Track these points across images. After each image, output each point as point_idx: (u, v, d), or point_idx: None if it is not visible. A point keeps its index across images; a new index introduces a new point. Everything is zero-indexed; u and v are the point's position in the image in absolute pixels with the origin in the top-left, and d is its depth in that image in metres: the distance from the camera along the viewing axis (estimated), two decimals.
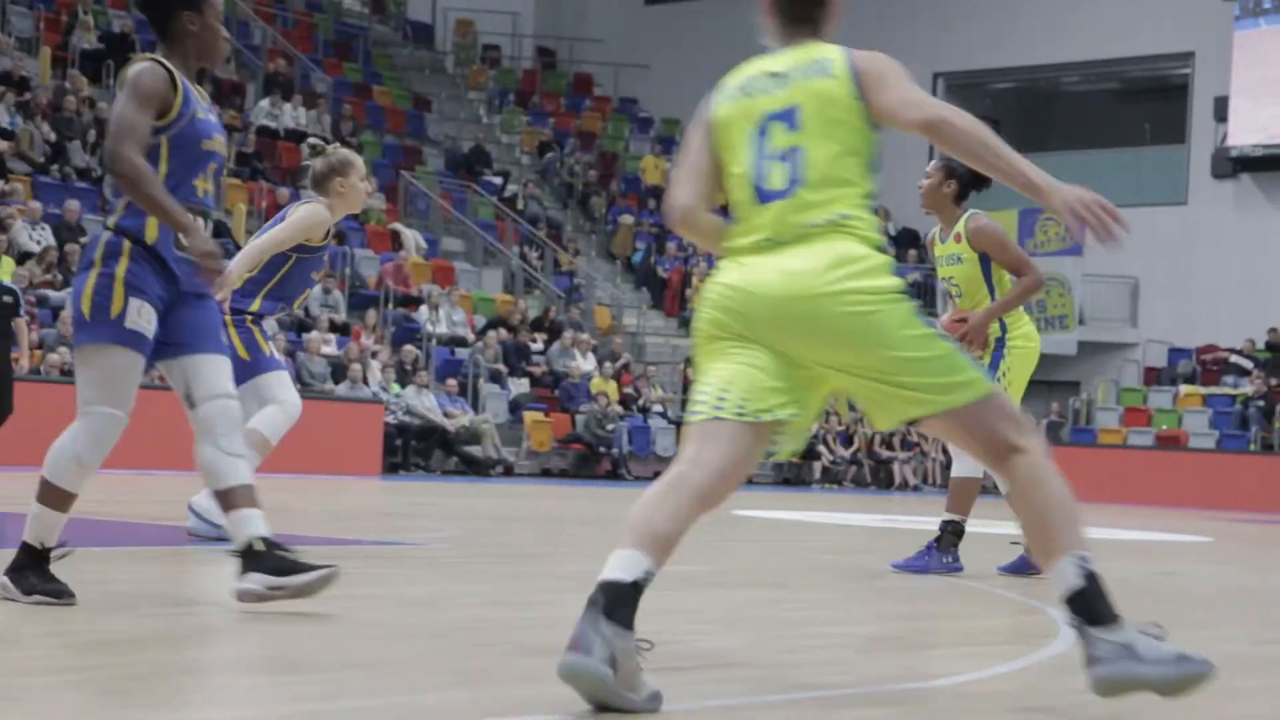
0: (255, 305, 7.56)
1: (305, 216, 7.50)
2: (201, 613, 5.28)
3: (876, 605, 6.58)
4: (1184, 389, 28.11)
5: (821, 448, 26.32)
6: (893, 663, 4.85)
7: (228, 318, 7.38)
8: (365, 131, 29.05)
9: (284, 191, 24.29)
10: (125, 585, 5.92)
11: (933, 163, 8.07)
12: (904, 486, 27.08)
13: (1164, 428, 27.14)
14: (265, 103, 27.43)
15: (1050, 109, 34.33)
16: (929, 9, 32.67)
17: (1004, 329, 7.95)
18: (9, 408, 14.24)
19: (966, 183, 7.91)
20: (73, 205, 21.00)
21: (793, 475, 26.19)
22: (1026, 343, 7.98)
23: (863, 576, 7.90)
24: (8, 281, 14.71)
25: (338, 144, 7.88)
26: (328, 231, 7.64)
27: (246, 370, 7.33)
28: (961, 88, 32.87)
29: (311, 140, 7.82)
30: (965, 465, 7.92)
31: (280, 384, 7.44)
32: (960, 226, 7.89)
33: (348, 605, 5.54)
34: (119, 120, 4.91)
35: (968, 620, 6.27)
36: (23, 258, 19.43)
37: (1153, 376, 29.30)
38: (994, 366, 7.88)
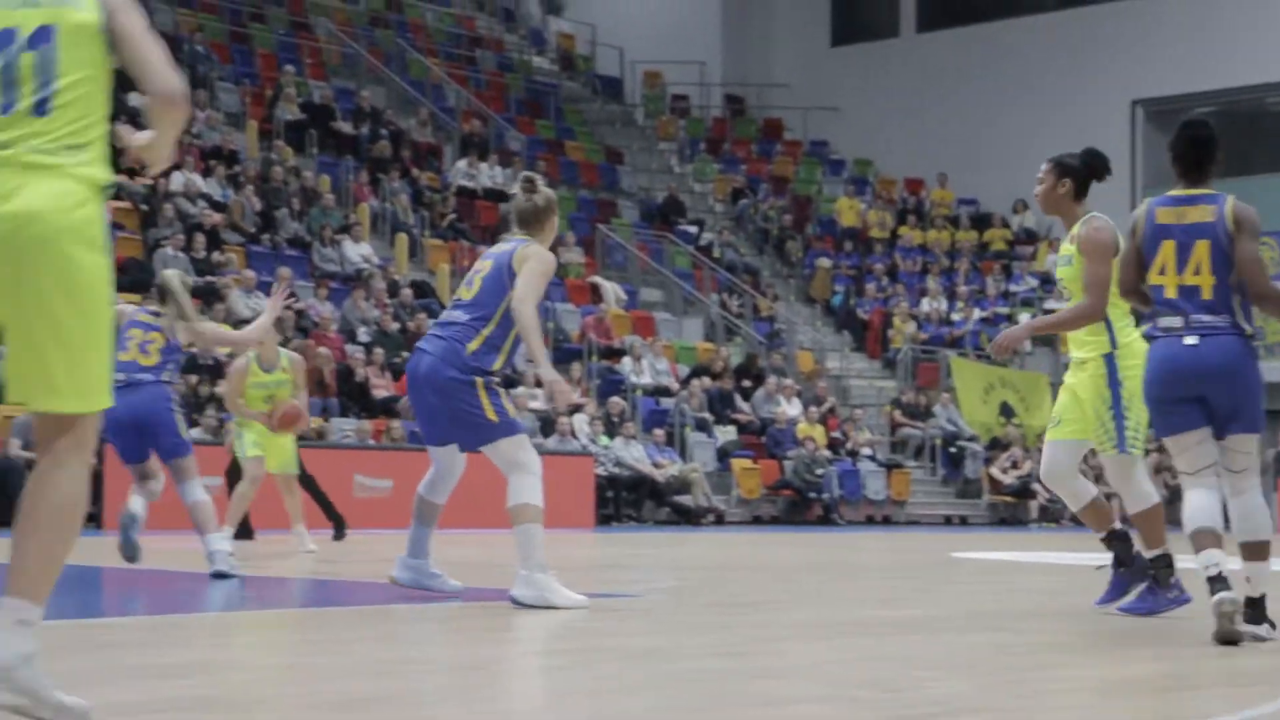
0: (499, 364, 7.36)
1: (542, 258, 7.34)
2: (438, 671, 5.35)
3: (1108, 648, 6.42)
4: None
5: (1037, 486, 25.85)
6: (1138, 706, 4.72)
7: (478, 380, 7.24)
8: (560, 186, 29.42)
9: (484, 250, 24.64)
10: (361, 645, 6.02)
11: (1045, 164, 7.45)
12: (1124, 523, 26.46)
13: None
14: (462, 163, 27.93)
15: (1254, 131, 33.43)
16: (1126, 37, 32.10)
17: (1114, 344, 7.27)
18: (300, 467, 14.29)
19: (1083, 179, 7.35)
20: (284, 272, 21.55)
21: (1009, 515, 25.78)
22: (1134, 359, 7.09)
23: (1087, 617, 7.73)
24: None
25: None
26: None
27: (495, 432, 7.27)
28: (1160, 114, 32.22)
29: (527, 174, 7.79)
30: (1135, 499, 7.74)
31: (523, 447, 7.31)
32: (1077, 228, 7.27)
33: (573, 659, 5.57)
34: (1261, 262, 6.15)
35: (1216, 660, 5.99)
36: (239, 325, 19.99)
37: None
38: (1115, 393, 7.28)
